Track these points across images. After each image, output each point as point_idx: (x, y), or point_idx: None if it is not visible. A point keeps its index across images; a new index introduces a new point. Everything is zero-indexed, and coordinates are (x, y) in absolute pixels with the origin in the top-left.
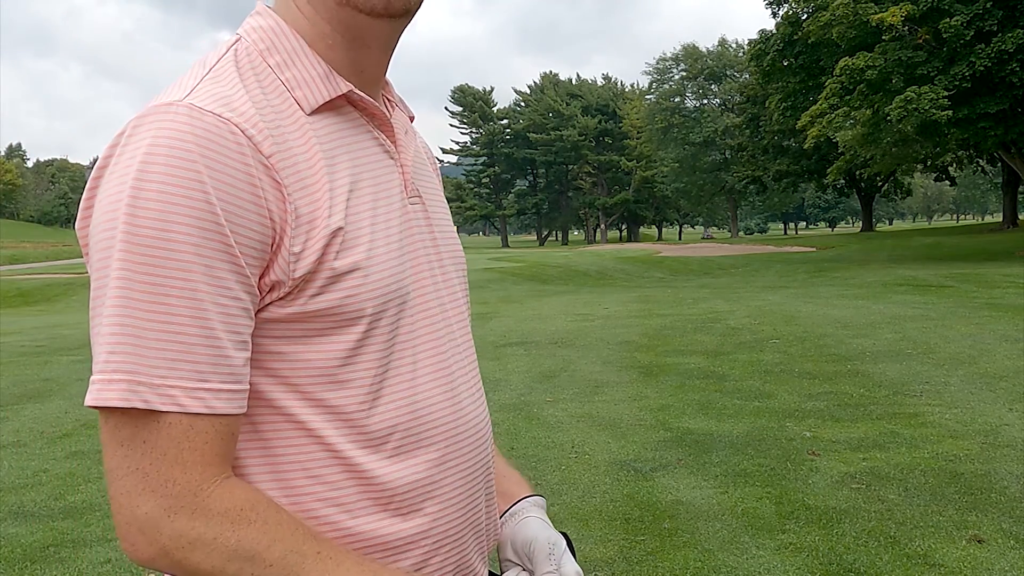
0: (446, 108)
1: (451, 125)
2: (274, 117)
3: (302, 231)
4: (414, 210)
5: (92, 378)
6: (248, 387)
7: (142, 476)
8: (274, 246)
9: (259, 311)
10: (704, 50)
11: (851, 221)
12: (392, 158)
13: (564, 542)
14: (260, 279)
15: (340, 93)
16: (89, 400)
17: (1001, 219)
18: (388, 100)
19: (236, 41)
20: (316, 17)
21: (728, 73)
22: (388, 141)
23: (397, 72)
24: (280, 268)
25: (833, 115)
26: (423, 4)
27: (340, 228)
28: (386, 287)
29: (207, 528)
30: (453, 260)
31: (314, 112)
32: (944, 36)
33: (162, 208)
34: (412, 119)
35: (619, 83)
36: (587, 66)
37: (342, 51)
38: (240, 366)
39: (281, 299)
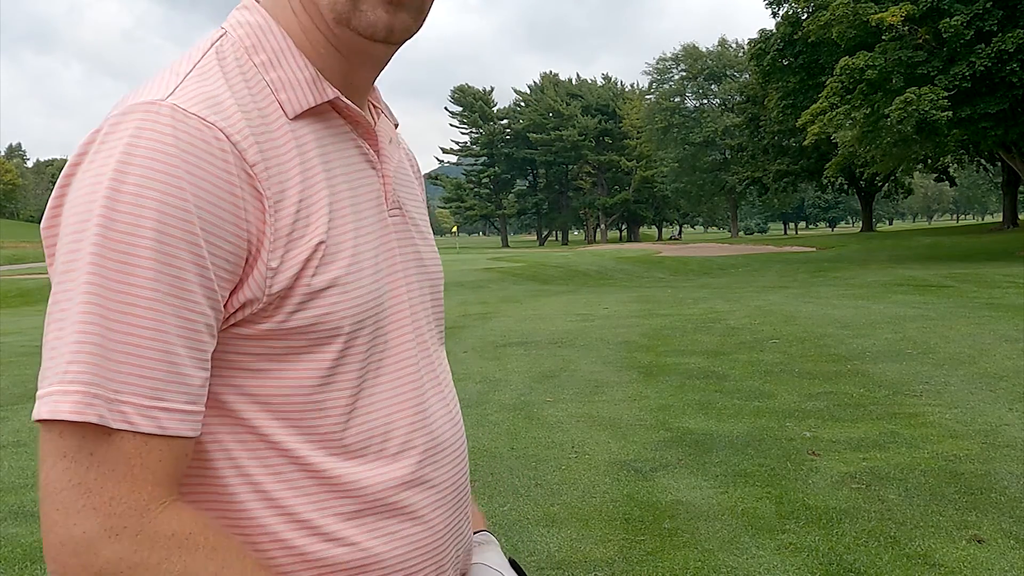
0: (446, 108)
1: (451, 125)
2: (260, 121)
3: (280, 245)
4: (393, 223)
5: (45, 389)
6: (203, 409)
7: (84, 491)
8: (249, 261)
9: (234, 325)
10: (704, 50)
11: (851, 221)
12: (374, 168)
13: None
14: (231, 295)
15: (327, 99)
16: (41, 412)
17: (1001, 219)
18: (374, 106)
19: (221, 36)
20: (311, 24)
21: (728, 73)
22: (371, 150)
23: (400, 70)
24: (255, 284)
25: (834, 113)
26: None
27: (322, 242)
28: (364, 303)
29: (151, 552)
30: (430, 274)
31: (297, 118)
32: (944, 36)
33: (138, 215)
34: (396, 126)
35: (619, 83)
36: (594, 64)
37: (333, 60)
38: (198, 386)
39: (255, 315)
